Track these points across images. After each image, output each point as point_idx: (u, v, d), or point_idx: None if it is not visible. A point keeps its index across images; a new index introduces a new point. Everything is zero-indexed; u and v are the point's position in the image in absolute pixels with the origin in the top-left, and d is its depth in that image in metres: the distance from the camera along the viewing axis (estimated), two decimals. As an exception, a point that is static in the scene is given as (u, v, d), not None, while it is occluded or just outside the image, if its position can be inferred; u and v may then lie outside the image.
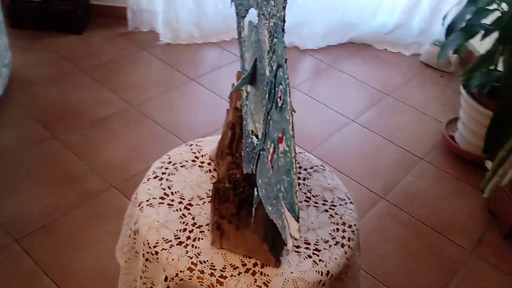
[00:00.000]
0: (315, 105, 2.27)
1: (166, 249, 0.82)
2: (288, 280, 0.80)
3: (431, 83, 2.57)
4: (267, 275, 0.80)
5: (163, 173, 0.96)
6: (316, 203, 0.94)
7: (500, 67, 1.88)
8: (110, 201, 1.61)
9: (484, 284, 1.57)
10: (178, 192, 0.92)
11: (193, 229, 0.86)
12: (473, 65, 1.88)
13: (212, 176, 0.98)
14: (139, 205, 0.89)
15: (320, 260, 0.84)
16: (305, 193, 0.96)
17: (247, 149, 0.80)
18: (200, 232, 0.86)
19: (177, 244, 0.83)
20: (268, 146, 0.62)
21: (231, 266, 0.80)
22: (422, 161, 2.03)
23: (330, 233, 0.88)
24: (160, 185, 0.93)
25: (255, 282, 0.79)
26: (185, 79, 2.29)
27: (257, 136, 0.75)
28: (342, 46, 2.74)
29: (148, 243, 0.83)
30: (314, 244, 0.86)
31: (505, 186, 1.77)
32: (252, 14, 0.82)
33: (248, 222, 0.81)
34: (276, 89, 0.59)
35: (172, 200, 0.91)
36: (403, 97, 2.41)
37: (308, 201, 0.94)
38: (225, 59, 2.49)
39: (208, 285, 0.78)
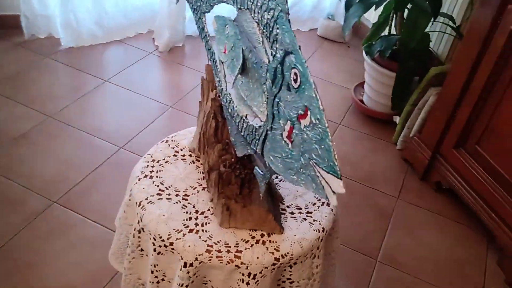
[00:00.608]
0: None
1: (180, 239, 0.88)
2: (294, 242, 0.91)
3: (331, 55, 2.80)
4: (275, 242, 0.90)
5: (151, 171, 1.01)
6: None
7: (393, 33, 2.13)
8: (55, 217, 1.59)
9: (413, 223, 1.82)
10: (171, 186, 0.98)
11: (197, 216, 0.93)
12: (371, 33, 2.10)
13: (197, 166, 1.05)
14: (139, 205, 0.93)
15: (314, 220, 0.95)
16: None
17: (241, 134, 0.89)
18: (205, 217, 0.93)
19: (188, 232, 0.89)
20: (282, 125, 0.71)
21: (243, 241, 0.89)
22: (340, 126, 2.24)
23: (315, 196, 0.99)
24: (153, 183, 0.98)
25: (267, 249, 0.89)
26: (98, 81, 2.26)
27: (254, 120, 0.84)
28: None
29: (161, 237, 0.88)
30: (305, 208, 0.98)
31: (414, 136, 2.03)
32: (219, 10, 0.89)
33: (251, 199, 0.90)
34: (286, 73, 0.68)
35: (169, 194, 0.96)
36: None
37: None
38: (134, 55, 2.48)
39: (227, 262, 0.86)
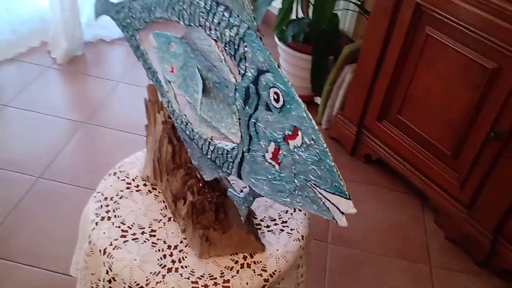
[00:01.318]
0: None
1: (160, 282, 0.81)
2: (278, 258, 0.87)
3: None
4: (260, 262, 0.86)
5: (107, 212, 0.91)
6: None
7: (301, 16, 2.13)
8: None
9: (352, 198, 1.86)
10: (134, 224, 0.90)
11: (172, 252, 0.86)
12: (279, 20, 2.09)
13: (155, 195, 0.96)
14: (104, 253, 0.84)
15: (291, 229, 0.92)
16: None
17: (207, 156, 0.82)
18: (180, 251, 0.86)
19: (167, 272, 0.82)
20: (264, 146, 0.66)
21: (227, 269, 0.84)
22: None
23: (285, 204, 0.96)
24: (113, 224, 0.89)
25: (255, 272, 0.84)
26: (-5, 107, 2.03)
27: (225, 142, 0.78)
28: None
29: (138, 284, 0.80)
30: (279, 218, 0.94)
31: (337, 114, 2.06)
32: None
33: (229, 223, 0.84)
34: (263, 92, 0.63)
35: (134, 234, 0.88)
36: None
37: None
38: (30, 72, 2.26)
39: (216, 294, 0.80)
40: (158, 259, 0.84)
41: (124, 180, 0.98)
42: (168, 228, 0.90)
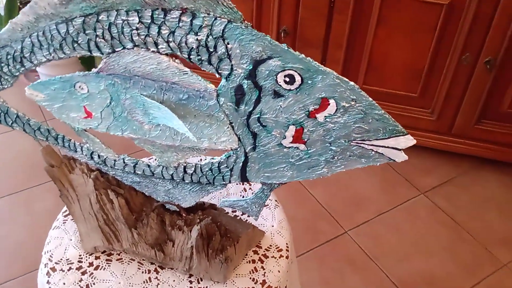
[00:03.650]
0: None
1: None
2: (279, 231, 0.87)
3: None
4: (270, 246, 0.85)
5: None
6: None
7: None
8: None
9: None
10: (130, 299, 0.77)
11: (194, 296, 0.78)
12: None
13: (120, 261, 0.82)
14: None
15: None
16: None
17: (184, 182, 0.74)
18: (200, 290, 0.79)
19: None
20: (278, 135, 0.64)
21: (253, 272, 0.81)
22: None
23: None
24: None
25: (274, 257, 0.84)
26: None
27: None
28: None
29: None
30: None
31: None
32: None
33: (232, 231, 0.80)
34: (266, 82, 0.60)
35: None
36: None
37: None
38: None
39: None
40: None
41: (70, 268, 0.80)
42: (165, 280, 0.80)
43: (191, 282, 0.80)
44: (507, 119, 1.68)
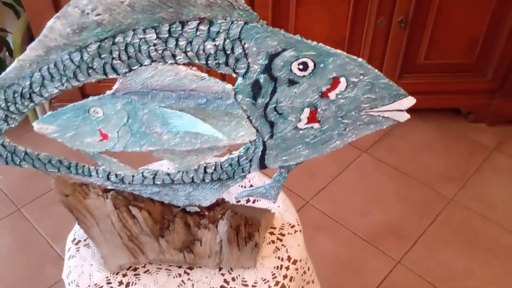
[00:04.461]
0: None
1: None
2: (287, 210, 0.94)
3: None
4: (282, 224, 0.92)
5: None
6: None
7: None
8: None
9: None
10: (175, 305, 0.80)
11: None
12: None
13: (149, 272, 0.84)
14: None
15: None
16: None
17: (204, 182, 0.78)
18: (233, 280, 0.83)
19: (254, 300, 0.81)
20: (294, 119, 0.70)
21: (276, 251, 0.87)
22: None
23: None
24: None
25: (289, 233, 0.90)
26: None
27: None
28: None
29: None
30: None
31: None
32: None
33: (253, 218, 0.85)
34: (280, 73, 0.65)
35: (189, 310, 0.79)
36: None
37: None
38: None
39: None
40: (234, 302, 0.80)
41: (92, 276, 0.81)
42: (198, 278, 0.83)
43: (223, 274, 0.84)
44: (424, 69, 1.87)
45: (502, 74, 1.83)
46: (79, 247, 0.88)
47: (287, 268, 0.85)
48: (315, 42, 0.64)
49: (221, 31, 0.62)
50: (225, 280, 0.84)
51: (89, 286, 0.82)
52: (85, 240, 0.89)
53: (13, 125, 0.70)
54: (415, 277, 1.49)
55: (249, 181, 1.00)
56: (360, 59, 0.66)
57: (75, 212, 0.78)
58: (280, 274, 0.84)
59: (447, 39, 1.77)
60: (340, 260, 1.52)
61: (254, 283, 0.83)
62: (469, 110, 1.98)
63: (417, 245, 1.59)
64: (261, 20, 0.62)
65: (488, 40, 1.75)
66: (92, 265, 0.85)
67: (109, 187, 0.80)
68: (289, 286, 0.83)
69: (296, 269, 0.86)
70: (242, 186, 0.99)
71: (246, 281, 0.83)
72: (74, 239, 0.89)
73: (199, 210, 0.82)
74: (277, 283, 0.83)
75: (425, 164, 1.85)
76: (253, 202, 0.96)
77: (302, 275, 0.88)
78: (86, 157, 0.75)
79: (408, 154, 1.89)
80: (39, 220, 1.61)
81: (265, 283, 0.83)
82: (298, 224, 0.92)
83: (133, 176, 0.77)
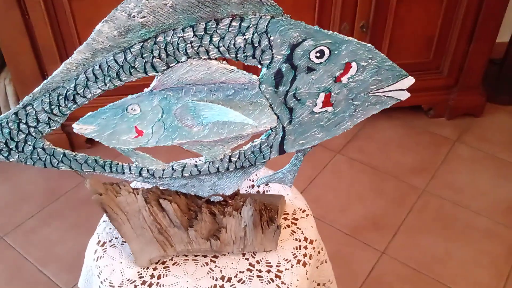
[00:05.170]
0: None
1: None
2: (296, 196, 1.03)
3: None
4: (294, 210, 1.01)
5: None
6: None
7: None
8: None
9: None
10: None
11: (270, 270, 0.90)
12: None
13: (177, 264, 0.91)
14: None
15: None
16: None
17: (229, 170, 0.86)
18: (258, 263, 0.91)
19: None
20: (310, 104, 0.80)
21: (293, 234, 0.96)
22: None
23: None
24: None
25: (302, 217, 0.99)
26: None
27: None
28: None
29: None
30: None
31: None
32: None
33: (270, 202, 0.94)
34: (300, 62, 0.75)
35: (222, 292, 0.87)
36: None
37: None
38: None
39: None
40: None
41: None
42: (225, 265, 0.91)
43: (247, 259, 0.92)
44: (386, 71, 2.02)
45: (456, 70, 2.02)
46: (105, 248, 0.93)
47: (305, 247, 0.94)
48: (331, 31, 0.75)
49: (250, 26, 0.71)
50: (250, 264, 0.91)
51: (122, 282, 0.88)
52: (110, 241, 0.94)
53: (54, 127, 0.76)
54: (400, 265, 1.61)
55: (256, 174, 1.08)
56: (368, 45, 0.77)
57: (108, 210, 0.84)
58: (300, 253, 0.93)
59: (405, 40, 1.94)
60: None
61: (278, 263, 0.91)
62: (429, 106, 2.16)
63: (398, 235, 1.71)
64: (285, 14, 0.72)
65: (442, 39, 1.94)
66: (121, 263, 0.90)
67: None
68: (309, 264, 0.92)
69: (314, 247, 0.95)
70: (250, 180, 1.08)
71: (270, 263, 0.91)
72: (99, 241, 0.94)
73: (222, 199, 0.90)
74: (298, 261, 0.91)
75: (395, 159, 1.99)
76: (263, 192, 1.04)
77: (317, 254, 0.97)
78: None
79: (378, 151, 2.04)
80: (24, 247, 1.62)
81: (287, 262, 0.91)
82: (308, 209, 1.01)
83: (163, 170, 0.84)
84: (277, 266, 0.91)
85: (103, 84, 0.72)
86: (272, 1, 0.70)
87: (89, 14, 1.60)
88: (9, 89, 1.82)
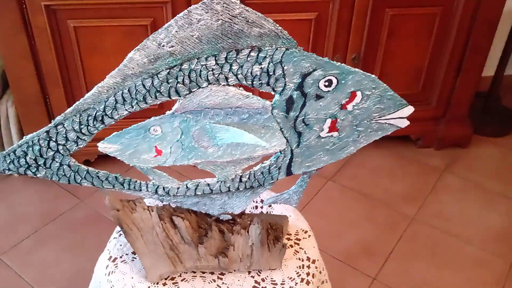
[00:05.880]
0: None
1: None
2: (298, 218, 1.10)
3: None
4: (297, 231, 1.08)
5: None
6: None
7: None
8: None
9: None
10: (217, 304, 0.93)
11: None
12: None
13: (193, 277, 0.97)
14: None
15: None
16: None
17: (238, 191, 0.93)
18: (263, 281, 0.98)
19: (286, 294, 0.95)
20: (317, 129, 0.88)
21: (296, 254, 1.03)
22: None
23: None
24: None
25: (303, 237, 1.06)
26: None
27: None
28: None
29: None
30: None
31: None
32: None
33: (276, 225, 1.01)
34: (310, 90, 0.83)
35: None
36: None
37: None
38: None
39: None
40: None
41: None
42: (231, 282, 0.97)
43: (252, 277, 0.98)
44: (376, 101, 2.13)
45: (444, 102, 2.13)
46: (117, 263, 0.98)
47: (308, 267, 1.01)
48: (339, 63, 0.83)
49: (267, 56, 0.79)
50: (255, 281, 0.97)
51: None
52: (121, 257, 1.00)
53: (81, 146, 0.82)
54: (392, 291, 1.68)
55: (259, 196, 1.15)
56: (373, 76, 0.85)
57: (123, 226, 0.90)
58: (303, 272, 0.99)
59: (395, 72, 2.05)
60: (322, 280, 1.69)
61: (282, 281, 0.98)
62: (417, 136, 2.26)
63: (389, 261, 1.78)
64: (298, 47, 0.80)
65: (431, 71, 2.05)
66: (133, 278, 0.96)
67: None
68: (312, 282, 0.99)
69: (316, 267, 1.01)
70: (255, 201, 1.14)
71: (275, 281, 0.98)
72: (110, 257, 1.00)
73: (230, 218, 0.97)
74: (302, 280, 0.98)
75: (385, 187, 2.08)
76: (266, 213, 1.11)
77: (319, 273, 1.04)
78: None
79: (368, 179, 2.12)
80: (21, 267, 1.65)
81: (291, 280, 0.98)
82: (310, 230, 1.09)
83: (178, 188, 0.91)
84: (281, 284, 0.97)
85: (130, 106, 0.80)
86: (288, 35, 0.79)
87: (94, 41, 1.68)
88: (11, 111, 1.87)
